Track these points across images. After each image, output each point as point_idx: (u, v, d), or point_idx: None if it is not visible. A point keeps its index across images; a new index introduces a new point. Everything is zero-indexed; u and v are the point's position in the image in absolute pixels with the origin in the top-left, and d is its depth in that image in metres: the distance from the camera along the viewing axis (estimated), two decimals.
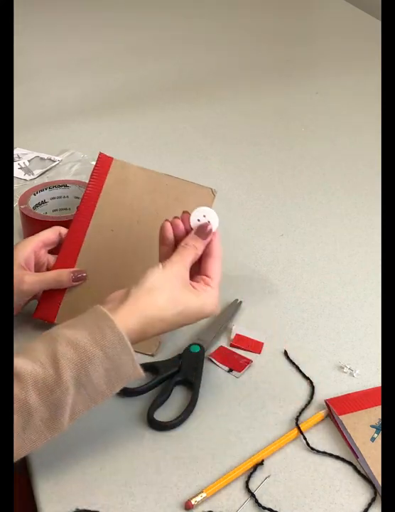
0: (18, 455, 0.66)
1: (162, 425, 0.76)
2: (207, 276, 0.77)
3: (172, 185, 0.89)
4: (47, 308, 0.87)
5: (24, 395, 0.65)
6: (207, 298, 0.75)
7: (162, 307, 0.72)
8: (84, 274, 0.86)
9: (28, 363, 0.66)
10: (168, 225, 0.79)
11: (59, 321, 0.86)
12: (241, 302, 0.94)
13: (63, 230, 0.89)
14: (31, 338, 0.86)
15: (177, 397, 0.80)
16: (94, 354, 0.67)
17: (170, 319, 0.73)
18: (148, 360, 0.83)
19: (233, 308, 0.92)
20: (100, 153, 0.91)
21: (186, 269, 0.76)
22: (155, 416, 0.77)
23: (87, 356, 0.67)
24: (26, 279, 0.83)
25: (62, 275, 0.86)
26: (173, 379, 0.81)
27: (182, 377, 0.81)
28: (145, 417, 0.77)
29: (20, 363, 0.66)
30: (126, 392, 0.80)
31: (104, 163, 0.90)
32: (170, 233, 0.79)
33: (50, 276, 0.85)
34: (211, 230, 0.78)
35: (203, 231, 0.78)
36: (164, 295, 0.73)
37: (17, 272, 0.83)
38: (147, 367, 0.83)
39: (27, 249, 0.85)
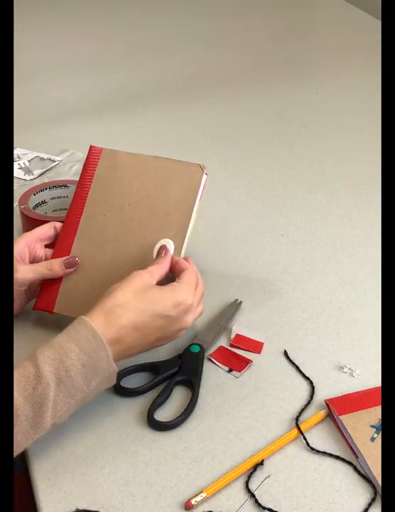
0: None
1: (162, 425, 0.76)
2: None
3: (161, 166, 0.89)
4: (45, 299, 0.87)
5: None
6: (174, 287, 0.78)
7: (120, 297, 0.75)
8: (77, 259, 0.87)
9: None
10: None
11: (58, 309, 0.86)
12: (241, 302, 0.94)
13: (58, 225, 0.90)
14: (31, 338, 0.87)
15: (177, 397, 0.80)
16: (69, 349, 0.71)
17: (134, 304, 0.75)
18: (148, 360, 0.83)
19: (233, 308, 0.92)
20: (91, 146, 0.92)
21: (149, 274, 0.79)
22: (155, 416, 0.77)
23: (63, 351, 0.70)
24: (19, 269, 0.84)
25: (53, 264, 0.86)
26: (173, 379, 0.81)
27: (182, 378, 0.81)
28: (145, 417, 0.77)
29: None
30: (126, 392, 0.80)
31: (94, 155, 0.91)
32: None
33: (42, 264, 0.86)
34: (167, 249, 0.84)
35: (160, 252, 0.83)
36: (121, 289, 0.76)
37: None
38: (147, 367, 0.83)
39: (20, 244, 0.86)
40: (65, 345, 0.71)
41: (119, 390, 0.80)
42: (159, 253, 0.83)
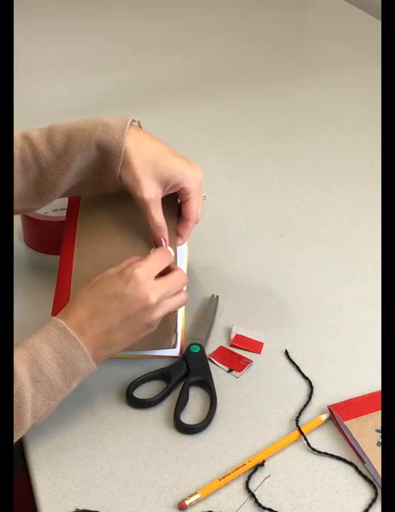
0: None
1: (190, 428, 0.76)
2: None
3: None
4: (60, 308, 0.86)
5: None
6: (124, 269, 0.76)
7: (78, 295, 0.76)
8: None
9: None
10: None
11: None
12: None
13: None
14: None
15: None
16: (41, 348, 0.70)
17: (87, 294, 0.75)
18: (155, 367, 0.83)
19: (213, 303, 0.92)
20: (69, 198, 0.93)
21: (113, 268, 0.78)
22: (181, 418, 0.77)
23: (35, 350, 0.70)
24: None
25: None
26: (187, 381, 0.81)
27: (196, 379, 0.81)
28: (171, 420, 0.77)
29: None
30: (144, 404, 0.79)
31: (74, 204, 0.93)
32: None
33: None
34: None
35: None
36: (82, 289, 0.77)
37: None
38: (156, 375, 0.82)
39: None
40: (35, 344, 0.70)
41: (136, 403, 0.79)
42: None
